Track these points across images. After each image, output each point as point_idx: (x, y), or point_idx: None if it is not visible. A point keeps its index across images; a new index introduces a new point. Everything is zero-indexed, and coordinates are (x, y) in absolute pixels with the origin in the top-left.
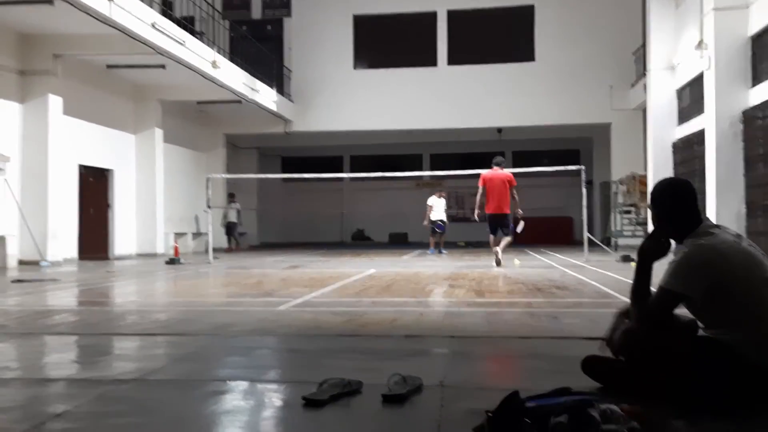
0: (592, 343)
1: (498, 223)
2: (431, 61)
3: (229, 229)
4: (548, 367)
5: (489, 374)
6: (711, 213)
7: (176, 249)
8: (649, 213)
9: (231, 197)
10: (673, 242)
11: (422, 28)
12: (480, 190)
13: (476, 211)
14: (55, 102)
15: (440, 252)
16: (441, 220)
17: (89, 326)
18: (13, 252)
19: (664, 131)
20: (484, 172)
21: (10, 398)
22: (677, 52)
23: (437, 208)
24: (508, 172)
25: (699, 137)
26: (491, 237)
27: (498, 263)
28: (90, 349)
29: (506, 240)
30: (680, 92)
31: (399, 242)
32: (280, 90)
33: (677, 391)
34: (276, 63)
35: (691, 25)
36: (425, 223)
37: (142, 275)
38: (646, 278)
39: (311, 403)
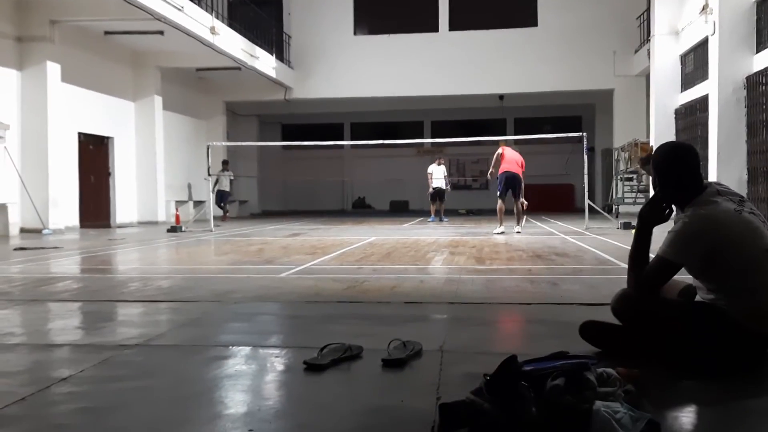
0: (590, 308)
1: (513, 183)
2: (432, 27)
3: (221, 197)
4: (547, 332)
5: (487, 339)
6: (712, 179)
7: (177, 217)
8: (651, 178)
9: (225, 164)
10: (674, 209)
11: None
12: (500, 152)
13: (491, 170)
14: (53, 69)
15: (441, 219)
16: (440, 187)
17: (92, 293)
18: (15, 220)
19: (666, 97)
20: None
21: (15, 363)
22: (682, 17)
23: (437, 175)
24: None
25: (702, 103)
26: (500, 201)
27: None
28: (93, 316)
29: (519, 209)
30: (684, 58)
31: (400, 210)
32: (280, 56)
33: (672, 355)
34: (275, 29)
35: None
36: (430, 191)
37: (144, 243)
38: (645, 243)
39: (312, 368)
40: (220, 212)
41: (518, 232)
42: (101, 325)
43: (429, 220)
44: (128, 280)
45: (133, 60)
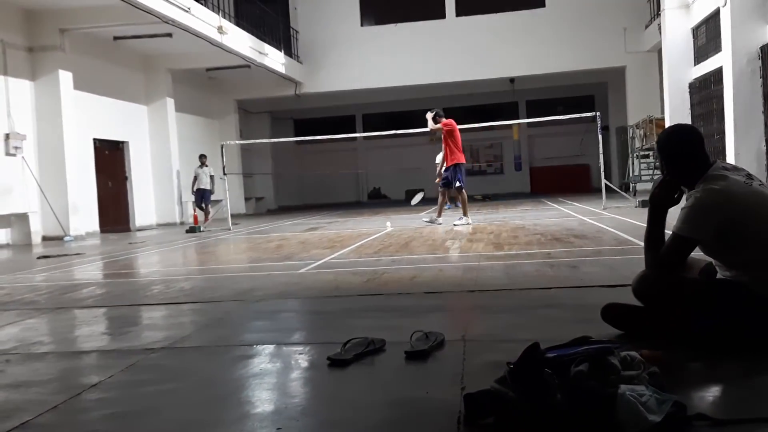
0: (611, 290)
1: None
2: (439, 14)
3: (201, 196)
4: (568, 316)
5: (510, 326)
6: (730, 152)
7: (195, 217)
8: (658, 162)
9: (202, 159)
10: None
11: None
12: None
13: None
14: (65, 77)
15: (456, 205)
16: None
17: (116, 298)
18: (37, 228)
19: (680, 72)
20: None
21: (46, 371)
22: None
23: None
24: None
25: (716, 76)
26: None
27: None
28: (119, 321)
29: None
30: (696, 31)
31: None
32: (288, 52)
33: (696, 334)
34: (282, 24)
35: None
36: (437, 181)
37: (164, 245)
38: (659, 224)
39: (336, 363)
40: (242, 209)
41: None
42: (127, 330)
43: (446, 207)
44: (151, 283)
45: (143, 64)
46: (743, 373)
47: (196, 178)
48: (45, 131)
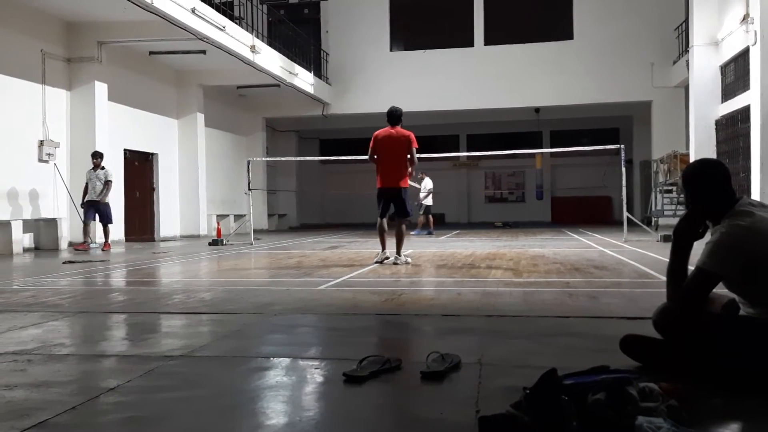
0: (631, 322)
1: (390, 201)
2: (468, 42)
3: (96, 210)
4: (586, 345)
5: (526, 352)
6: (755, 190)
7: (219, 230)
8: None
9: (95, 159)
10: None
11: (458, 9)
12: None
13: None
14: (100, 88)
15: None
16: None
17: (138, 305)
18: (64, 234)
19: (706, 109)
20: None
21: (65, 373)
22: (721, 27)
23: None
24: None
25: (743, 114)
26: (380, 219)
27: (383, 260)
28: (139, 327)
29: (403, 227)
30: (724, 68)
31: (436, 222)
32: (318, 73)
33: (716, 370)
34: (313, 46)
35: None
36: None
37: (187, 256)
38: (682, 258)
39: (352, 380)
40: (264, 225)
41: (396, 263)
42: (146, 337)
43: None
44: (172, 293)
45: (176, 79)
46: (764, 411)
47: (87, 185)
48: (78, 140)
